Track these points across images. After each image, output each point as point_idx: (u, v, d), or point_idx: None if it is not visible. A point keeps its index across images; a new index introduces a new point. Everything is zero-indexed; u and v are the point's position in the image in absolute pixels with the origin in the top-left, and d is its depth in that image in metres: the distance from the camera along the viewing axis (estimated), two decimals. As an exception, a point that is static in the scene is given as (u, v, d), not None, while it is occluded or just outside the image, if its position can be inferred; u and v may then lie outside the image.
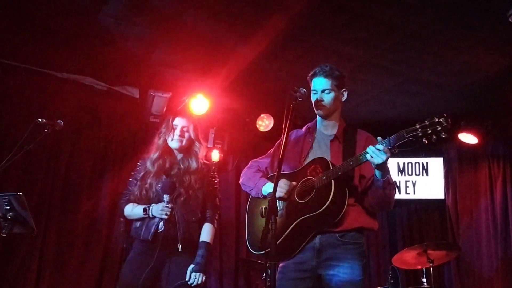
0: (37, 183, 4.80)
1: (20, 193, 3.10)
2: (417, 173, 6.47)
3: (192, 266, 3.31)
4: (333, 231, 2.68)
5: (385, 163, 2.45)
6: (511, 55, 4.46)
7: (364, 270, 2.69)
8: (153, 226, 3.31)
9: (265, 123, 5.91)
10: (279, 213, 2.76)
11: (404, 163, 6.51)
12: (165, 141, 3.55)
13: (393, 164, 6.49)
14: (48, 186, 4.86)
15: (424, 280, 4.96)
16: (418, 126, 2.34)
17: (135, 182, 3.49)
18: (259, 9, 3.92)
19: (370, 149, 2.44)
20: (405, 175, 6.49)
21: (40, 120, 3.28)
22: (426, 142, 2.33)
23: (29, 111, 4.76)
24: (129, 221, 3.46)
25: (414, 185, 6.44)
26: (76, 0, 3.91)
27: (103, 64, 4.95)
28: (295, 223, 2.65)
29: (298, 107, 2.62)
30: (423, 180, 6.43)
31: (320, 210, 2.56)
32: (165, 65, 4.91)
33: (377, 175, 2.57)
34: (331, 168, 2.62)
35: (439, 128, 2.30)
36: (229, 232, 5.93)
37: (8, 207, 3.07)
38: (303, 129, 3.04)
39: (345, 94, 2.94)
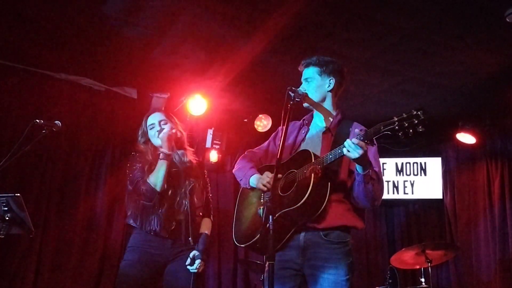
0: (35, 183, 4.79)
1: (18, 194, 3.08)
2: (415, 173, 6.48)
3: (195, 252, 3.24)
4: (316, 228, 2.61)
5: (362, 157, 2.37)
6: (509, 55, 4.47)
7: (350, 269, 2.61)
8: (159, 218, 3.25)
9: (263, 123, 5.91)
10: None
11: (402, 163, 6.52)
12: (149, 143, 3.45)
13: (391, 164, 6.51)
14: (46, 187, 4.85)
15: (423, 280, 4.96)
16: (395, 119, 2.23)
17: (137, 166, 3.36)
18: (257, 9, 3.92)
19: (347, 142, 2.37)
20: (403, 175, 6.50)
21: (38, 120, 3.25)
22: (403, 136, 2.21)
23: (27, 112, 4.74)
24: (137, 211, 3.33)
25: (412, 185, 6.45)
26: (74, 1, 3.90)
27: (101, 65, 4.95)
28: (275, 217, 2.46)
29: (296, 106, 2.62)
30: (421, 180, 6.45)
31: (298, 205, 2.49)
32: (163, 65, 4.90)
33: (357, 169, 2.50)
34: (313, 161, 2.57)
35: (416, 122, 2.17)
36: (228, 232, 5.91)
37: (5, 208, 3.05)
38: (300, 121, 3.00)
39: (332, 83, 2.82)
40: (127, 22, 4.17)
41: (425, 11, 3.85)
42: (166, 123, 3.47)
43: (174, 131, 3.41)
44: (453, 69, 4.80)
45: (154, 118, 3.50)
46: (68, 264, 4.82)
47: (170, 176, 3.33)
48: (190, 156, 3.52)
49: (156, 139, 3.43)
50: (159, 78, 5.17)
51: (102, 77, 5.21)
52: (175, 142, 3.43)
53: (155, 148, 3.43)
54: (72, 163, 5.05)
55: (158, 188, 3.23)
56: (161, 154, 3.31)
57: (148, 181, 3.24)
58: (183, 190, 3.38)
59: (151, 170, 3.30)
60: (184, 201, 3.35)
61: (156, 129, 3.44)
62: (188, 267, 3.22)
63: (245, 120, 5.96)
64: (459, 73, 4.88)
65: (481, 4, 3.70)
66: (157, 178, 3.24)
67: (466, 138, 5.98)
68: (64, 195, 4.95)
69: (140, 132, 3.51)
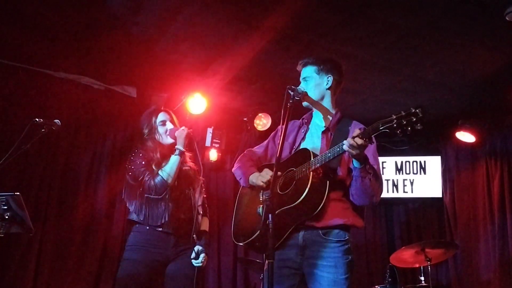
0: (34, 182, 4.78)
1: (17, 193, 3.08)
2: (415, 171, 6.48)
3: (199, 247, 3.33)
4: (315, 226, 2.62)
5: (360, 154, 2.40)
6: (508, 53, 4.46)
7: (350, 268, 2.62)
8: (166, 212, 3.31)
9: (263, 122, 5.92)
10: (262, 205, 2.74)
11: (402, 162, 6.52)
12: (154, 140, 3.53)
13: (391, 163, 6.51)
14: (45, 186, 4.84)
15: (422, 278, 4.98)
16: (394, 117, 2.23)
17: (141, 162, 3.41)
18: (256, 8, 3.92)
19: (348, 141, 2.38)
20: (402, 173, 6.50)
21: (37, 119, 3.26)
22: (401, 134, 2.23)
23: (27, 111, 4.72)
24: (141, 205, 3.37)
25: (411, 183, 6.45)
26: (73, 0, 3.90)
27: (101, 63, 4.95)
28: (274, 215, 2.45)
29: (295, 106, 2.62)
30: (421, 179, 6.44)
31: (297, 203, 2.51)
32: (162, 64, 4.90)
33: (354, 164, 2.52)
34: (312, 159, 2.58)
35: (414, 120, 2.18)
36: (227, 231, 5.93)
37: (5, 207, 3.06)
38: (300, 120, 3.01)
39: (330, 80, 2.84)
40: (126, 21, 4.17)
41: (424, 9, 3.84)
42: (173, 123, 3.57)
43: (191, 130, 3.48)
44: (453, 67, 4.80)
45: (165, 116, 3.58)
46: (68, 262, 4.81)
47: (179, 174, 3.40)
48: (188, 158, 3.61)
49: (166, 137, 3.51)
50: (159, 77, 5.17)
51: (102, 76, 5.20)
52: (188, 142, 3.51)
53: (160, 145, 3.50)
54: (71, 162, 5.05)
55: (170, 181, 3.31)
56: (176, 150, 3.39)
57: (160, 173, 3.31)
58: (188, 189, 3.46)
59: (159, 165, 3.36)
60: (189, 199, 3.43)
61: (168, 127, 3.52)
62: (193, 261, 3.29)
63: (245, 119, 5.96)
64: (458, 71, 4.87)
65: (481, 2, 3.70)
66: (170, 171, 3.32)
67: (465, 136, 5.98)
68: (64, 194, 4.94)
69: (147, 129, 3.57)
